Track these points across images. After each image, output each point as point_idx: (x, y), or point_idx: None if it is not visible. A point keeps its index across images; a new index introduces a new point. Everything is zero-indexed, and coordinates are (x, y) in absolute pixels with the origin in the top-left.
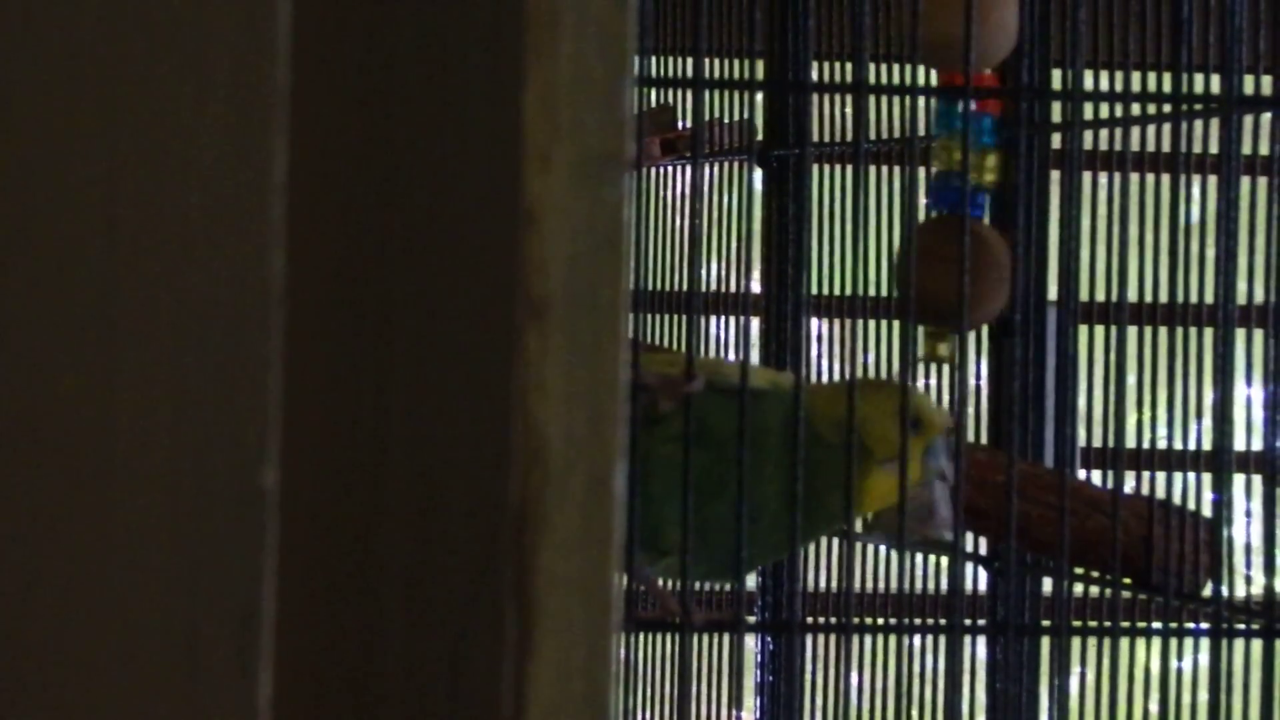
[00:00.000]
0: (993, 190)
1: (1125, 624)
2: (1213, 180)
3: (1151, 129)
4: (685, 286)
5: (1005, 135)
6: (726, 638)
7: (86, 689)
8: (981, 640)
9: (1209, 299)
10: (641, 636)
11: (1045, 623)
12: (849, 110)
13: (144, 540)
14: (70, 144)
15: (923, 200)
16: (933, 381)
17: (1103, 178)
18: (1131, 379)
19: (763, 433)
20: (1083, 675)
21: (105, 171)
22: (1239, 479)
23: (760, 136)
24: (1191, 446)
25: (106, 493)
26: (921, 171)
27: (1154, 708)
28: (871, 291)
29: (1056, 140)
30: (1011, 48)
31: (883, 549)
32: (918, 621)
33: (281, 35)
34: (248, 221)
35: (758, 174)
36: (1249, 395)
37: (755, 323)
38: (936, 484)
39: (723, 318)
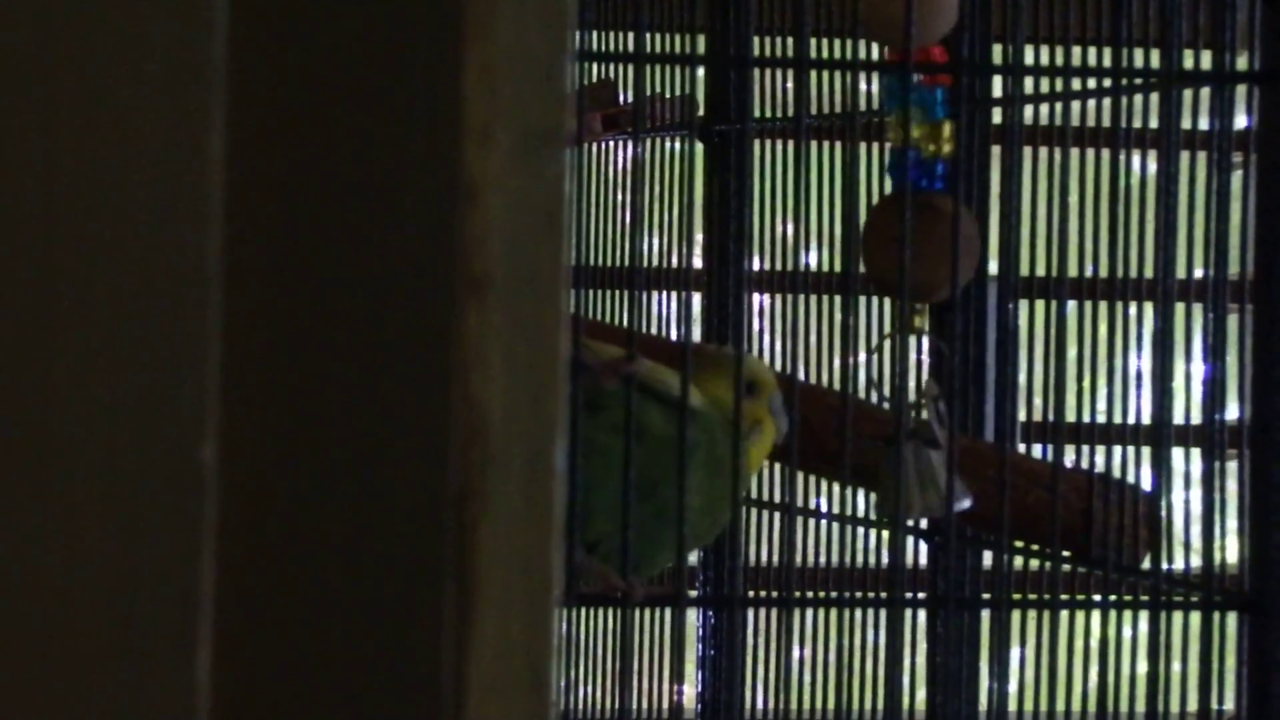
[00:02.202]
0: (950, 160)
1: (1065, 597)
2: (1152, 155)
3: (1091, 104)
4: (627, 262)
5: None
6: (668, 612)
7: (23, 668)
8: (922, 613)
9: (1149, 273)
10: (582, 611)
11: (985, 596)
12: (790, 85)
13: (81, 518)
14: (7, 122)
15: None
16: (873, 357)
17: (1043, 152)
18: (1071, 353)
19: (692, 447)
20: (1023, 648)
21: (42, 150)
22: (1178, 453)
23: (701, 112)
24: (1131, 421)
25: (43, 470)
26: (874, 147)
27: (1093, 680)
28: (814, 267)
29: (997, 115)
30: (953, 23)
31: (822, 522)
32: (859, 595)
33: (219, 12)
34: (186, 198)
35: (699, 149)
36: (1188, 369)
37: (697, 298)
38: (929, 470)
39: (664, 293)
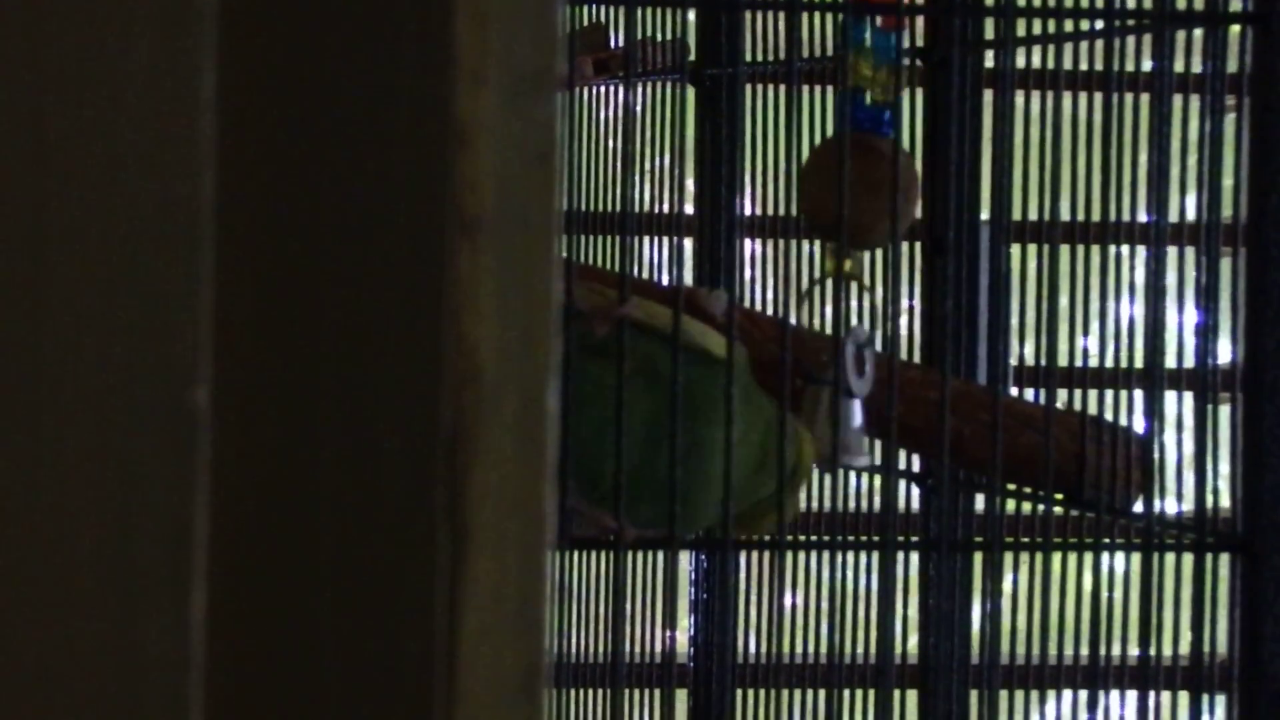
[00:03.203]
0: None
1: (1057, 540)
2: (1145, 98)
3: (1084, 47)
4: (618, 207)
5: (937, 54)
6: (660, 556)
7: (17, 609)
8: (915, 557)
9: (1141, 217)
10: (575, 555)
11: (978, 539)
12: (782, 28)
13: (75, 460)
14: None
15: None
16: (866, 302)
17: (1035, 96)
18: (1064, 297)
19: (711, 402)
20: (1015, 591)
21: (32, 92)
22: (1171, 396)
23: (693, 55)
24: (1124, 364)
25: (36, 413)
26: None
27: (1085, 622)
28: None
29: (989, 59)
30: None
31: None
32: (851, 539)
33: None
34: (177, 140)
35: (690, 93)
36: (1181, 312)
37: (688, 243)
38: (849, 419)
39: (656, 238)
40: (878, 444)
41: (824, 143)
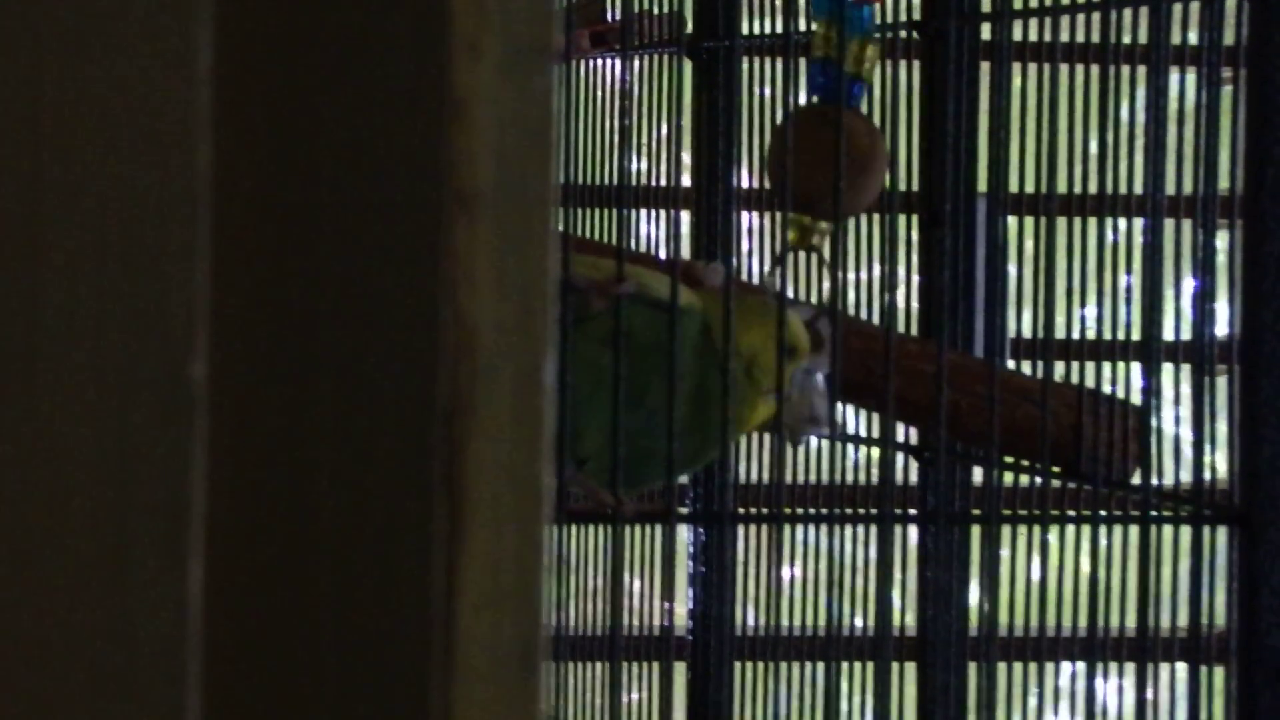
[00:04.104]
0: (869, 82)
1: (1055, 512)
2: (1142, 71)
3: (1081, 19)
4: (615, 180)
5: (933, 26)
6: (658, 529)
7: (13, 584)
8: (912, 529)
9: (1138, 189)
10: (573, 528)
11: (976, 512)
12: (778, 1)
13: (72, 435)
14: None
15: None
16: (862, 274)
17: (1032, 68)
18: (1061, 269)
19: (670, 352)
20: (1013, 563)
21: (28, 63)
22: (1168, 368)
23: (689, 28)
24: (1121, 336)
25: (32, 386)
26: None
27: (1083, 594)
28: None
29: (986, 32)
30: None
31: (812, 439)
32: (849, 511)
33: None
34: (174, 113)
35: (687, 66)
36: (1178, 285)
37: (685, 216)
38: (813, 393)
39: (653, 211)
40: (850, 411)
41: (794, 114)
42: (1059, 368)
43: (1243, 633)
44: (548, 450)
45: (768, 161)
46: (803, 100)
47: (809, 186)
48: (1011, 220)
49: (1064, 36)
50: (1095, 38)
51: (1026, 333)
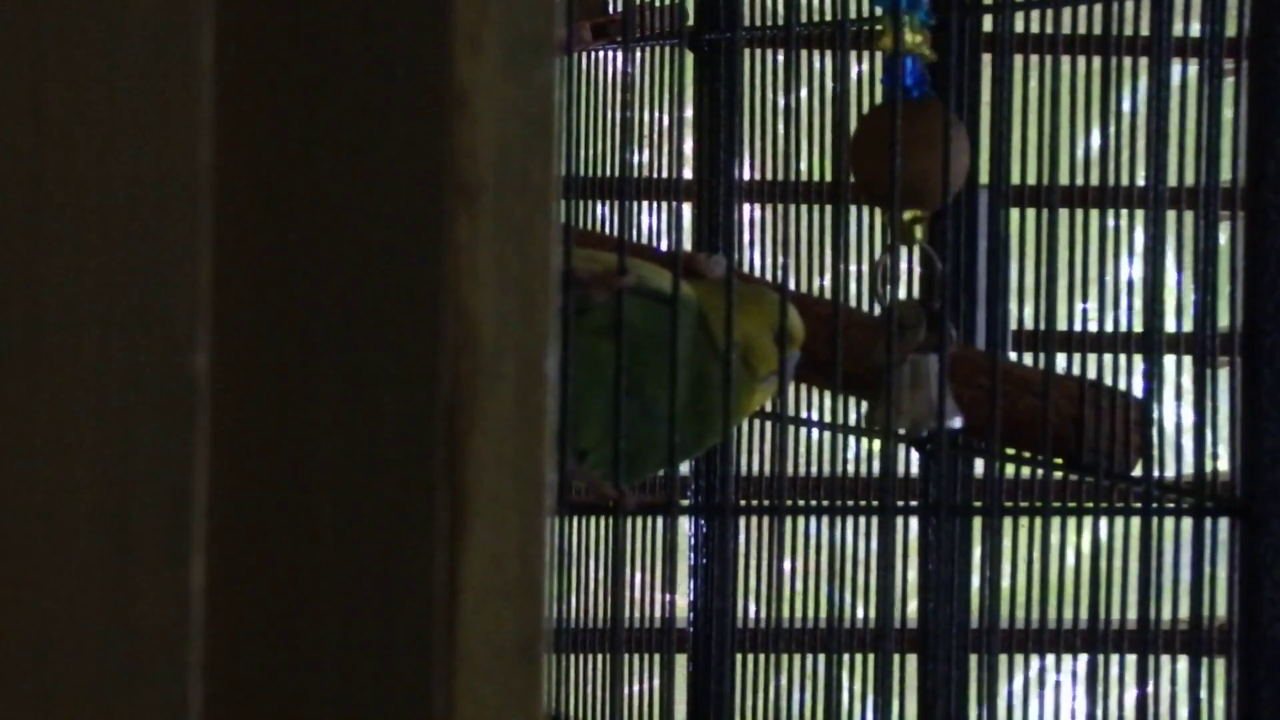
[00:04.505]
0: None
1: (1056, 504)
2: (1144, 62)
3: (1083, 10)
4: (617, 172)
5: (935, 18)
6: (660, 521)
7: (16, 576)
8: (914, 521)
9: (1140, 181)
10: (574, 521)
11: (977, 503)
12: None
13: (74, 428)
14: None
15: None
16: (864, 267)
17: (1034, 60)
18: (1063, 261)
19: (671, 343)
20: (1014, 555)
21: (31, 58)
22: (1169, 360)
23: (691, 20)
24: (1123, 328)
25: (35, 380)
26: (863, 55)
27: (1085, 586)
28: (804, 176)
29: (987, 23)
30: None
31: (814, 431)
32: (850, 503)
33: None
34: (176, 107)
35: (689, 58)
36: (1179, 276)
37: (687, 208)
38: (928, 382)
39: (654, 203)
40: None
41: (873, 109)
42: (1061, 359)
43: (1244, 625)
44: (550, 443)
45: (852, 157)
46: (809, 92)
47: (912, 180)
48: (1013, 212)
49: (1066, 28)
50: (1097, 29)
51: (1028, 324)
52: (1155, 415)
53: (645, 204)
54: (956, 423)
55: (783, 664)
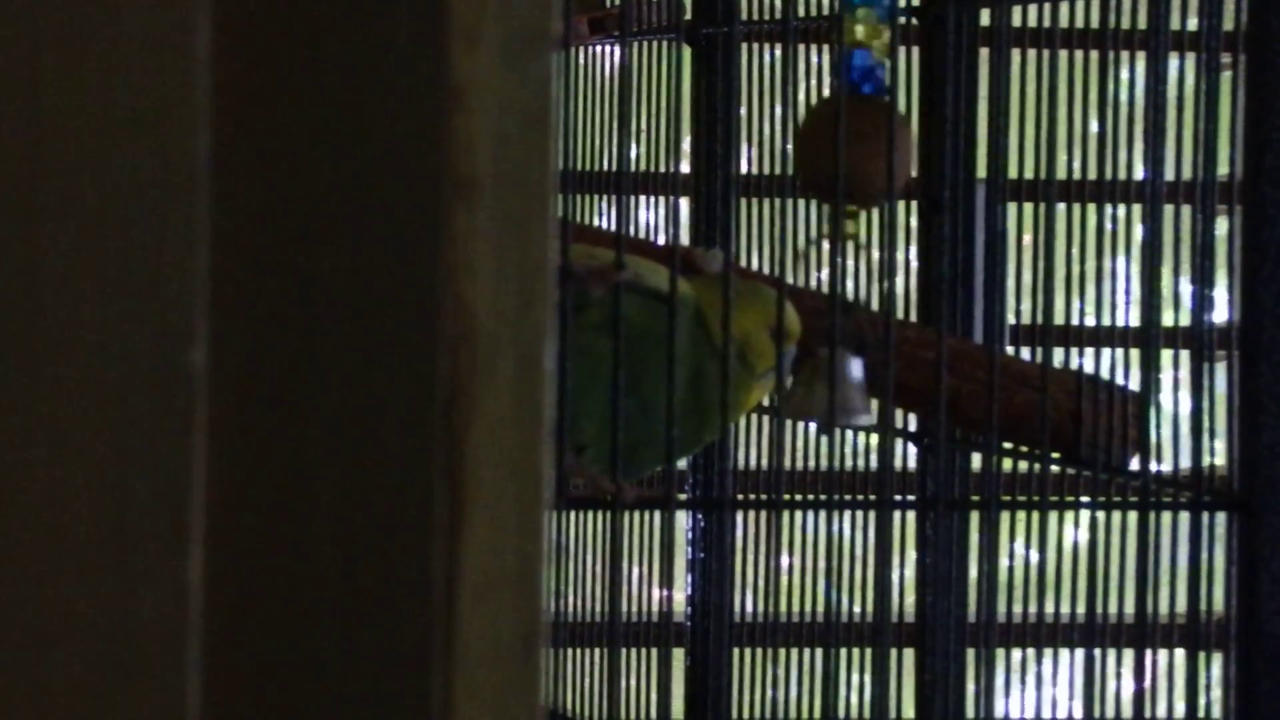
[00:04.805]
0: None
1: (1054, 498)
2: (1141, 56)
3: (1080, 4)
4: (614, 167)
5: (932, 12)
6: (657, 515)
7: (14, 573)
8: (911, 516)
9: (1138, 175)
10: (572, 515)
11: (975, 498)
12: None
13: (70, 422)
14: None
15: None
16: (861, 261)
17: (1031, 54)
18: (1060, 255)
19: (669, 339)
20: (1012, 549)
21: (27, 51)
22: (1167, 354)
23: (688, 15)
24: (1120, 322)
25: (31, 374)
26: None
27: (1082, 580)
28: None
29: (985, 17)
30: None
31: (811, 426)
32: (848, 498)
33: None
34: (173, 101)
35: (686, 52)
36: (1177, 271)
37: (684, 203)
38: (851, 379)
39: (652, 198)
40: (874, 402)
41: (819, 103)
42: (1058, 353)
43: (1242, 618)
44: (548, 437)
45: (797, 152)
46: (807, 86)
47: (849, 175)
48: (1011, 206)
49: (1063, 22)
50: (1094, 23)
51: (1026, 319)
52: (1153, 409)
53: (642, 198)
54: (862, 420)
55: (780, 658)
